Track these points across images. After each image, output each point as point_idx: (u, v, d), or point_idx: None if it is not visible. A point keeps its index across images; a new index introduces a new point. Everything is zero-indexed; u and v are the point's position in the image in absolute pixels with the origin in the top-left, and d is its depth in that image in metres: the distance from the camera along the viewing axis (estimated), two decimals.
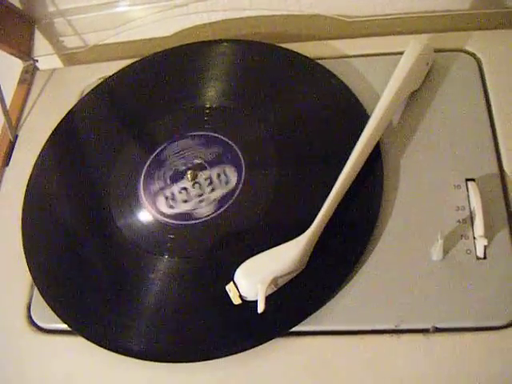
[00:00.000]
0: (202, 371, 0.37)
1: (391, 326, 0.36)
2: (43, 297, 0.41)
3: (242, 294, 0.37)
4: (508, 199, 0.40)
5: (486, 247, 0.37)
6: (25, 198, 0.46)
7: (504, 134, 0.42)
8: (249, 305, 0.36)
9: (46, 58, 0.60)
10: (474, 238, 0.38)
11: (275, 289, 0.37)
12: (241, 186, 0.43)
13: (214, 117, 0.47)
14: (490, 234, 0.37)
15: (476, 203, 0.38)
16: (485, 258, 0.37)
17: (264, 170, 0.43)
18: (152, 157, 0.46)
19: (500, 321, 0.35)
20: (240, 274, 0.37)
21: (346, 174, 0.39)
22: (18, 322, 0.41)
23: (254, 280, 0.36)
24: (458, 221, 0.39)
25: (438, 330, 0.36)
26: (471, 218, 0.39)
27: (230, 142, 0.45)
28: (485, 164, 0.41)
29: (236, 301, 0.37)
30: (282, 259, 0.37)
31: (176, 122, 0.48)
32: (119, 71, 0.53)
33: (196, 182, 0.44)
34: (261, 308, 0.35)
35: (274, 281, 0.36)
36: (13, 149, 0.51)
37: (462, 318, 0.36)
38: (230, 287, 0.37)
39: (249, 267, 0.37)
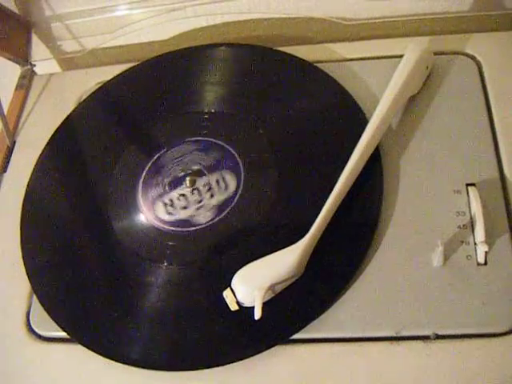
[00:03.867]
0: (201, 379, 0.37)
1: (391, 333, 0.36)
2: (42, 304, 0.41)
3: (239, 300, 0.36)
4: (509, 204, 0.39)
5: (486, 253, 0.37)
6: (23, 204, 0.46)
7: (504, 138, 0.42)
8: (248, 312, 0.36)
9: (43, 62, 0.59)
10: (475, 243, 0.38)
11: (273, 295, 0.37)
12: (240, 191, 0.42)
13: (213, 122, 0.47)
14: (490, 239, 0.37)
15: (476, 208, 0.37)
16: (485, 263, 0.37)
17: (263, 175, 0.43)
18: (150, 163, 0.46)
19: (501, 327, 0.35)
20: (237, 280, 0.37)
21: (345, 178, 0.39)
22: (17, 330, 0.41)
23: (251, 286, 0.36)
24: (459, 226, 0.38)
25: (438, 336, 0.36)
26: (472, 224, 0.38)
27: (229, 148, 0.45)
28: (485, 168, 0.41)
29: (233, 307, 0.36)
30: (279, 265, 0.37)
31: (174, 127, 0.48)
32: (117, 76, 0.52)
33: (195, 189, 0.43)
34: (258, 315, 0.35)
35: (272, 287, 0.36)
36: (11, 155, 0.51)
37: (463, 325, 0.36)
38: (227, 293, 0.37)
39: (246, 273, 0.37)
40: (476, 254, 0.37)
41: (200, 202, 0.43)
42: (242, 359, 0.36)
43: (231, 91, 0.49)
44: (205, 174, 0.44)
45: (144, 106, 0.50)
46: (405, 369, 0.35)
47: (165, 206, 0.43)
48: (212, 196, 0.43)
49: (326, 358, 0.36)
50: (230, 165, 0.44)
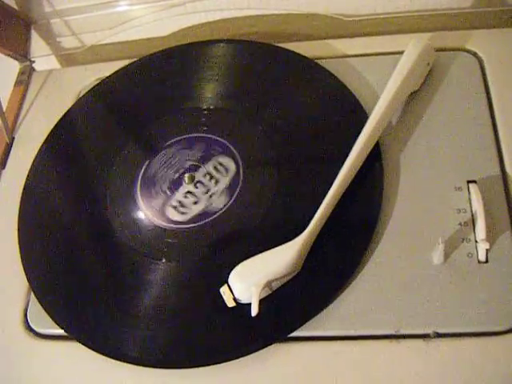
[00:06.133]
0: (199, 377, 0.36)
1: (391, 332, 0.36)
2: (40, 302, 0.41)
3: (236, 296, 0.36)
4: (510, 201, 0.39)
5: (487, 251, 0.36)
6: (21, 201, 0.46)
7: (506, 135, 0.42)
8: (246, 309, 0.36)
9: (43, 58, 0.59)
10: (476, 241, 0.37)
11: (270, 292, 0.37)
12: (239, 186, 0.42)
13: (212, 118, 0.47)
14: (491, 237, 0.37)
15: (477, 206, 0.37)
16: (486, 261, 0.37)
17: (262, 172, 0.43)
18: (140, 175, 0.45)
19: (501, 326, 0.35)
20: (234, 277, 0.36)
21: (344, 174, 0.39)
22: (14, 327, 0.41)
23: (248, 283, 0.36)
24: (460, 224, 0.38)
25: (438, 335, 0.35)
26: (473, 221, 0.38)
27: (228, 144, 0.44)
28: (486, 165, 0.40)
29: (230, 303, 0.36)
30: (276, 262, 0.36)
31: (173, 123, 0.47)
32: (116, 72, 0.52)
33: (197, 182, 0.43)
34: (254, 311, 0.35)
35: (269, 284, 0.36)
36: (9, 151, 0.51)
37: (463, 323, 0.35)
38: (223, 290, 0.36)
39: (243, 270, 0.37)
40: (477, 252, 0.37)
41: (208, 191, 0.42)
42: (239, 357, 0.36)
43: (231, 88, 0.49)
44: (200, 167, 0.44)
45: (143, 102, 0.50)
46: (404, 367, 0.35)
47: (175, 209, 0.43)
48: (217, 182, 0.42)
49: (324, 356, 0.36)
50: (219, 149, 0.44)
